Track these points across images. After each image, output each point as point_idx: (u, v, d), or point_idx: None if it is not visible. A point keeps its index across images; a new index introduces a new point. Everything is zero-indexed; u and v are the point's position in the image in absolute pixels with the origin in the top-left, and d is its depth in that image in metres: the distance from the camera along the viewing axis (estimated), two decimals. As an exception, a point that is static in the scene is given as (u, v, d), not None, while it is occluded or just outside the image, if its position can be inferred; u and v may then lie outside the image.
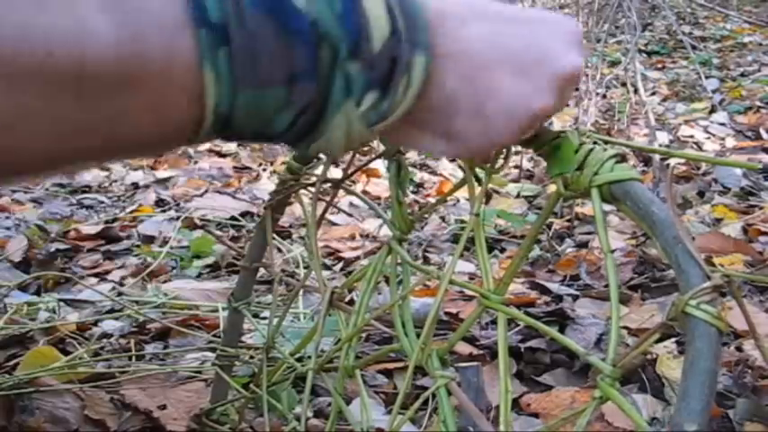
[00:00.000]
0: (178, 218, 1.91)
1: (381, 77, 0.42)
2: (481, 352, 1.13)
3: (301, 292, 1.30)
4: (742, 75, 3.68)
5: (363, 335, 1.15)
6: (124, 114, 0.37)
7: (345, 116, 0.42)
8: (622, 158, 0.44)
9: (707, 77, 3.31)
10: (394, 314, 0.61)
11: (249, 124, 0.41)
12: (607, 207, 0.46)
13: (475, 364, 0.96)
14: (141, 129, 0.39)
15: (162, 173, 2.49)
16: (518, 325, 1.17)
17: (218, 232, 1.83)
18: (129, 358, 1.13)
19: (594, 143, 0.47)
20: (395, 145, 0.61)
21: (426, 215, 1.88)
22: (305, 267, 1.52)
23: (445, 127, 0.46)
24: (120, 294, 1.42)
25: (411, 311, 0.63)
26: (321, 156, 0.77)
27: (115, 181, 2.44)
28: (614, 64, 3.67)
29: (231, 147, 2.83)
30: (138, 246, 1.76)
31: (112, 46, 0.35)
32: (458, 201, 2.08)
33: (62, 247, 1.72)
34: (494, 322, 1.20)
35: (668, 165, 2.12)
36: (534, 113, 0.45)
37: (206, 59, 0.37)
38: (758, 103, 3.03)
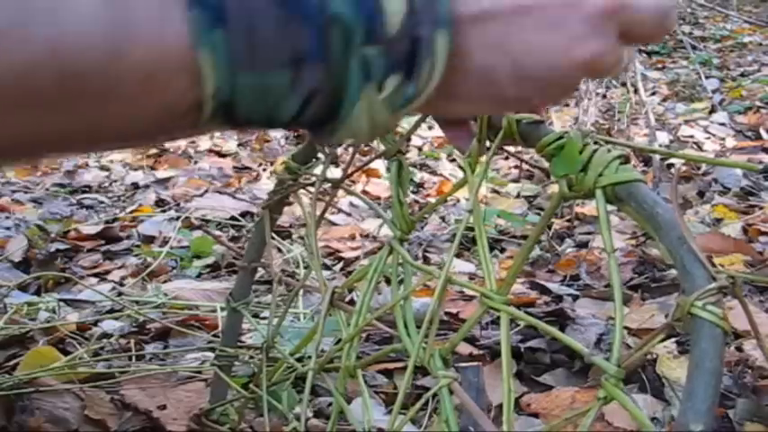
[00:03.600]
0: (178, 218, 1.91)
1: (403, 59, 0.39)
2: (481, 352, 1.13)
3: (301, 292, 1.30)
4: (742, 75, 3.68)
5: (364, 335, 1.15)
6: (112, 93, 0.35)
7: (368, 102, 0.39)
8: (626, 160, 0.44)
9: (707, 77, 3.31)
10: (396, 314, 0.61)
11: (255, 110, 0.38)
12: (608, 207, 0.46)
13: (475, 364, 0.96)
14: (134, 113, 0.37)
15: (162, 173, 2.49)
16: (518, 325, 1.17)
17: (218, 232, 1.83)
18: (129, 358, 1.13)
19: (596, 144, 0.47)
20: (435, 115, 0.55)
21: (426, 215, 1.88)
22: (305, 267, 1.52)
23: (490, 94, 0.44)
24: (120, 294, 1.42)
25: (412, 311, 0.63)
26: (320, 155, 0.77)
27: (115, 181, 2.45)
28: (614, 64, 3.66)
29: (231, 147, 2.82)
30: (138, 246, 1.76)
31: (97, 25, 0.34)
32: (458, 201, 2.08)
33: (62, 247, 1.72)
34: (494, 322, 1.20)
35: (670, 165, 2.12)
36: (580, 61, 0.43)
37: (201, 41, 0.35)
38: (758, 103, 3.03)
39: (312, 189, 0.77)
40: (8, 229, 1.85)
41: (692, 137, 2.70)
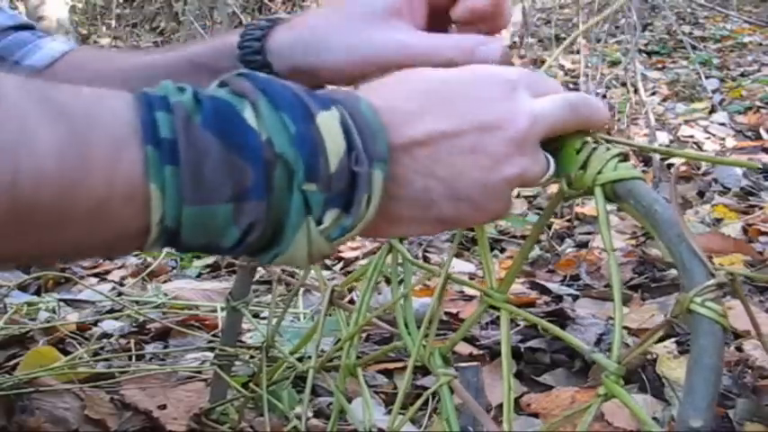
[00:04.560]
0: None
1: (341, 194, 0.42)
2: (481, 352, 1.13)
3: (301, 292, 1.30)
4: (742, 75, 3.67)
5: (363, 334, 1.15)
6: (65, 222, 0.38)
7: (306, 234, 0.42)
8: (625, 157, 0.44)
9: (707, 77, 3.31)
10: (396, 312, 0.61)
11: (197, 238, 0.41)
12: (608, 206, 0.46)
13: (474, 364, 0.96)
14: (82, 237, 0.39)
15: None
16: (518, 325, 1.17)
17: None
18: (129, 358, 1.13)
19: (596, 142, 0.47)
20: (378, 237, 0.61)
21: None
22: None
23: (429, 215, 0.46)
24: (120, 294, 1.42)
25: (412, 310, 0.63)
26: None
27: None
28: (614, 64, 3.67)
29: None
30: (137, 246, 1.76)
31: (53, 155, 0.36)
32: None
33: (62, 246, 1.72)
34: (494, 322, 1.20)
35: (670, 165, 2.12)
36: (509, 178, 0.46)
37: (152, 176, 0.38)
38: (758, 103, 3.02)
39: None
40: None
41: (692, 137, 2.70)
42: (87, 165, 0.37)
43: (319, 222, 0.42)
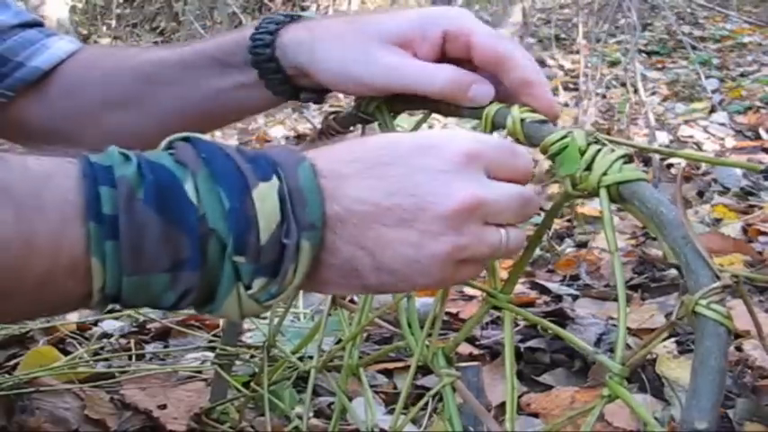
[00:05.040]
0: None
1: (269, 265, 0.44)
2: (481, 352, 1.13)
3: (302, 292, 1.30)
4: (742, 75, 3.67)
5: (365, 335, 1.15)
6: (11, 295, 0.40)
7: (236, 297, 0.44)
8: (629, 159, 0.44)
9: (707, 77, 3.31)
10: (399, 312, 0.61)
11: (136, 301, 0.43)
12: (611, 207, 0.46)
13: (475, 363, 0.96)
14: (28, 306, 0.42)
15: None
16: (518, 325, 1.17)
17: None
18: (129, 358, 1.13)
19: (597, 142, 0.47)
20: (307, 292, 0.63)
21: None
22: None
23: (354, 283, 0.47)
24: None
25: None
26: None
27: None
28: (614, 64, 3.67)
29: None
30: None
31: (2, 242, 0.38)
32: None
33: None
34: (494, 322, 1.20)
35: (669, 165, 2.12)
36: (440, 255, 0.46)
37: (93, 250, 0.40)
38: (758, 103, 3.02)
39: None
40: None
41: (691, 137, 2.70)
42: (32, 244, 0.39)
43: (248, 288, 0.44)
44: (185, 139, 0.45)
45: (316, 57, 0.63)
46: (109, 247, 0.40)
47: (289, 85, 0.68)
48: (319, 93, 0.69)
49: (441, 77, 0.59)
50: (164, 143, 0.46)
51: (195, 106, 0.72)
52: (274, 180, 0.44)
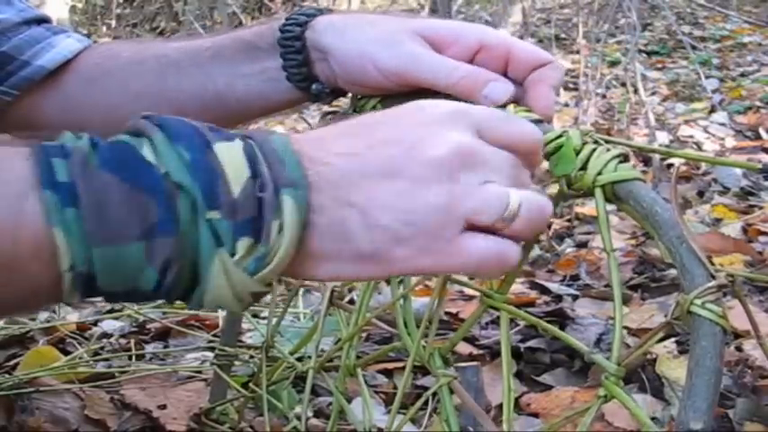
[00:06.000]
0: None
1: (249, 222, 0.41)
2: (481, 352, 1.13)
3: (301, 292, 1.30)
4: (742, 75, 3.67)
5: (363, 334, 1.15)
6: None
7: (222, 267, 0.41)
8: (625, 158, 0.44)
9: (707, 77, 3.31)
10: (396, 312, 0.61)
11: (114, 282, 0.40)
12: (607, 207, 0.45)
13: (474, 363, 0.96)
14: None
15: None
16: (518, 325, 1.17)
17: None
18: (129, 358, 1.13)
19: (595, 142, 0.47)
20: (303, 278, 0.54)
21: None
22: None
23: (346, 250, 0.43)
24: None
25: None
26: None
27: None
28: (614, 64, 3.67)
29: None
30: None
31: None
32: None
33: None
34: (494, 322, 1.20)
35: (669, 165, 2.12)
36: (435, 203, 0.42)
37: (54, 220, 0.38)
38: (758, 103, 3.03)
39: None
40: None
41: (691, 137, 2.70)
42: None
43: (233, 254, 0.40)
44: (139, 118, 0.43)
45: (344, 37, 0.63)
46: (70, 214, 0.38)
47: (306, 68, 0.66)
48: (329, 91, 0.68)
49: (460, 71, 0.58)
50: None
51: (215, 96, 0.71)
52: (237, 141, 0.42)
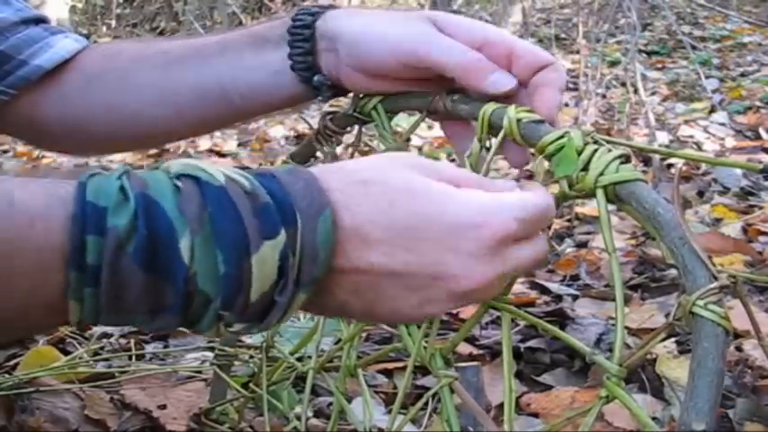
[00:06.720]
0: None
1: (255, 314, 0.43)
2: (481, 352, 1.13)
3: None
4: (742, 75, 3.67)
5: (363, 335, 1.15)
6: None
7: (215, 331, 0.44)
8: (627, 159, 0.44)
9: (707, 77, 3.31)
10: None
11: (112, 324, 0.44)
12: (608, 207, 0.45)
13: (474, 363, 0.96)
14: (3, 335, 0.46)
15: (161, 172, 2.47)
16: (518, 325, 1.17)
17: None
18: (129, 358, 1.13)
19: (597, 143, 0.47)
20: None
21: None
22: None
23: (338, 315, 0.50)
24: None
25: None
26: (319, 155, 0.77)
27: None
28: (614, 64, 3.67)
29: (231, 147, 2.83)
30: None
31: None
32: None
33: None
34: (494, 322, 1.20)
35: (669, 165, 2.12)
36: (428, 315, 0.47)
37: (71, 296, 0.40)
38: (758, 103, 3.02)
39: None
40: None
41: (691, 137, 2.70)
42: (9, 286, 0.39)
43: (228, 327, 0.44)
44: (195, 179, 0.42)
45: (356, 19, 0.64)
46: (88, 292, 0.40)
47: (312, 57, 0.66)
48: (330, 84, 0.68)
49: (473, 53, 0.59)
50: (175, 167, 0.43)
51: (218, 92, 0.71)
52: (281, 236, 0.41)
